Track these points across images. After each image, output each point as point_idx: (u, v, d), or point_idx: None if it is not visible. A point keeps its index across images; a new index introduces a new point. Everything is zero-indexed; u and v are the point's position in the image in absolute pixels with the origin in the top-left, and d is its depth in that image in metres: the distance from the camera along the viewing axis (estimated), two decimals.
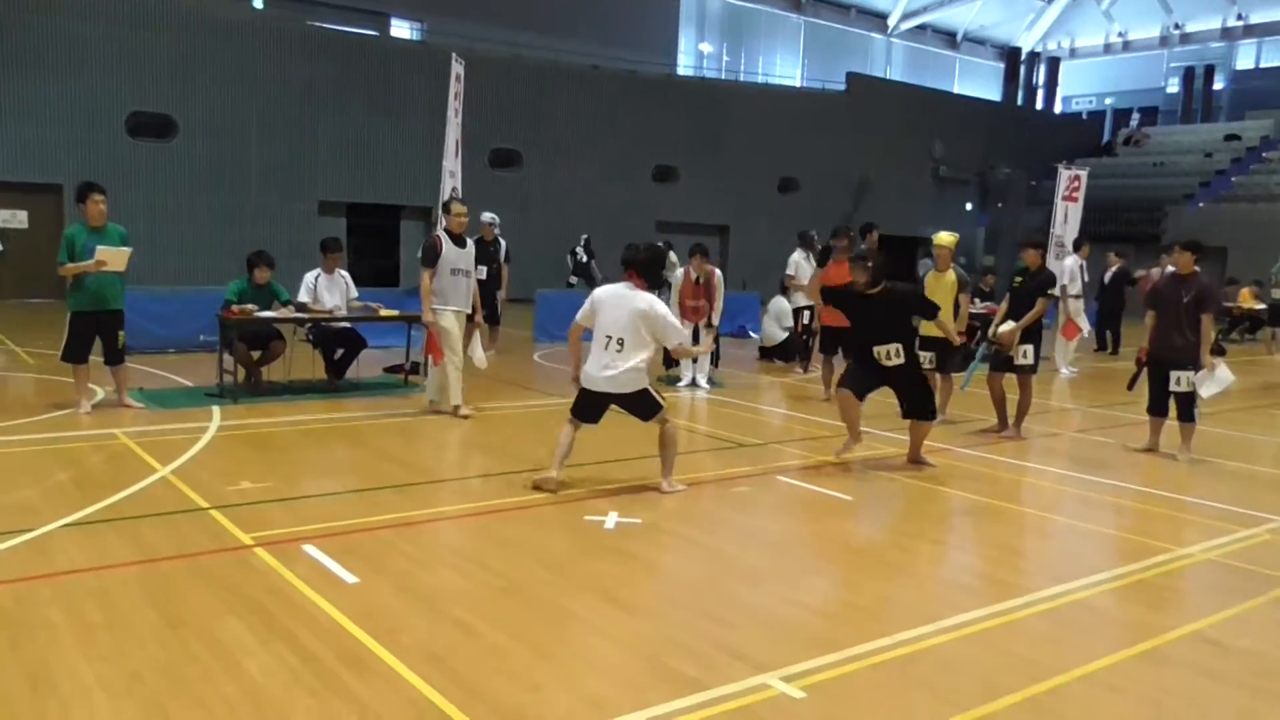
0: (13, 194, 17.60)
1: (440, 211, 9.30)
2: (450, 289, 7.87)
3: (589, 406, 5.77)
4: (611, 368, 5.58)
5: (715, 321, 10.19)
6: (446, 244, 7.83)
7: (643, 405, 5.71)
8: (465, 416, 7.91)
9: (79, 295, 7.32)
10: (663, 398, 5.86)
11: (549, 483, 5.64)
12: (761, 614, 3.95)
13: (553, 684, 3.22)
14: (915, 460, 6.81)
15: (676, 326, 5.89)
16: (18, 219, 17.83)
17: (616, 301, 5.62)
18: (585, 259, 21.47)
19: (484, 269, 10.42)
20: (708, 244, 10.70)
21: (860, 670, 3.42)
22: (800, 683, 3.28)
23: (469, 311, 8.10)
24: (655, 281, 5.89)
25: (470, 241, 8.16)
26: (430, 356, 8.17)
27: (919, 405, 6.68)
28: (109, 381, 7.82)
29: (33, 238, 17.74)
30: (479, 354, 8.28)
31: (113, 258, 7.24)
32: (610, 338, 5.59)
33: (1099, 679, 3.45)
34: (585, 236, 19.06)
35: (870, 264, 6.59)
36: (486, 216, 11.01)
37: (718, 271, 10.14)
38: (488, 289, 10.56)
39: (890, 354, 6.46)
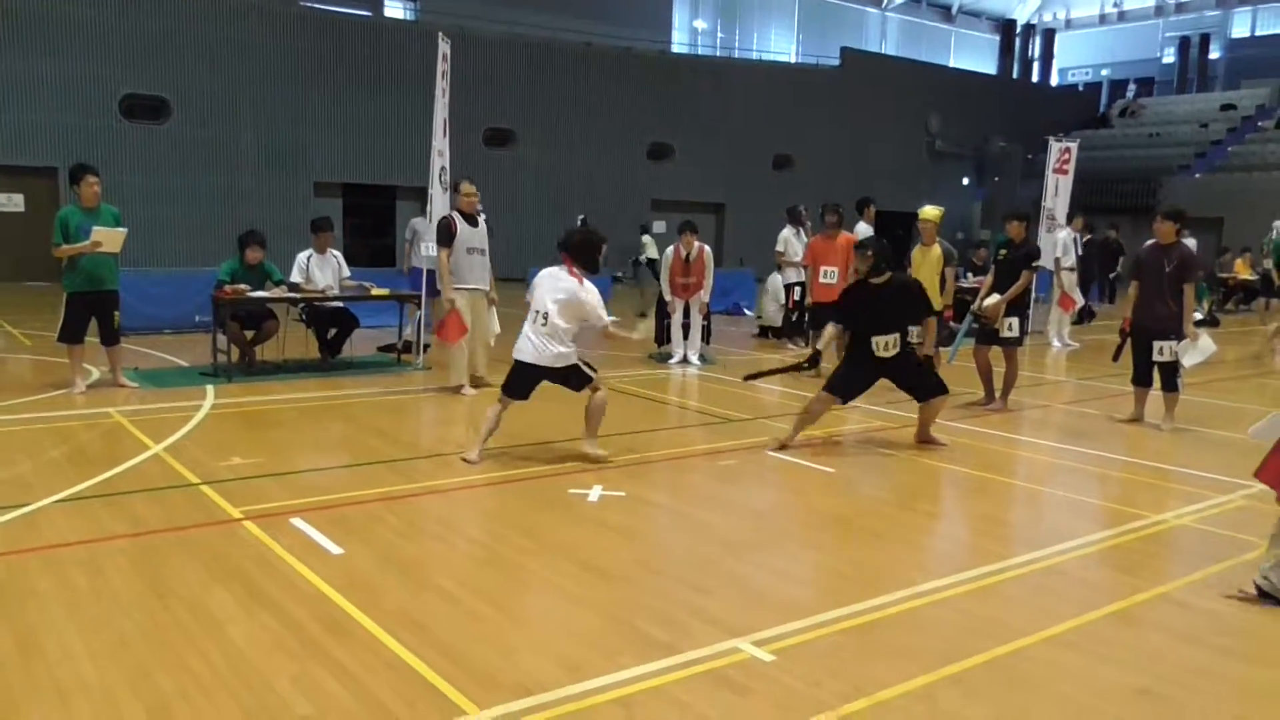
0: (8, 178, 17.63)
1: (433, 191, 9.35)
2: (465, 267, 8.00)
3: (518, 381, 5.91)
4: (536, 342, 5.79)
5: (706, 298, 10.25)
6: (460, 223, 7.96)
7: (574, 378, 5.93)
8: (480, 387, 8.02)
9: (74, 276, 7.38)
10: (594, 369, 5.99)
11: (472, 463, 5.76)
12: (737, 581, 4.04)
13: (527, 648, 3.31)
14: (925, 440, 6.62)
15: (600, 310, 5.84)
16: (13, 202, 17.86)
17: (549, 283, 5.86)
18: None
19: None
20: (703, 221, 10.74)
21: (830, 634, 3.51)
22: (770, 647, 3.37)
23: (485, 289, 8.21)
24: (588, 265, 5.93)
25: (482, 220, 8.25)
26: (439, 336, 8.09)
27: (929, 386, 6.52)
28: (104, 362, 7.90)
29: (28, 221, 17.77)
30: (494, 326, 8.45)
31: (108, 239, 7.30)
32: (537, 313, 5.82)
33: (1063, 639, 3.54)
34: (581, 217, 19.07)
35: (870, 251, 6.41)
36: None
37: (707, 248, 10.18)
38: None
39: (888, 345, 6.37)
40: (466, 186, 8.11)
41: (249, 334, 8.73)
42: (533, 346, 5.80)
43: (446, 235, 7.89)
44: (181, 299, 11.25)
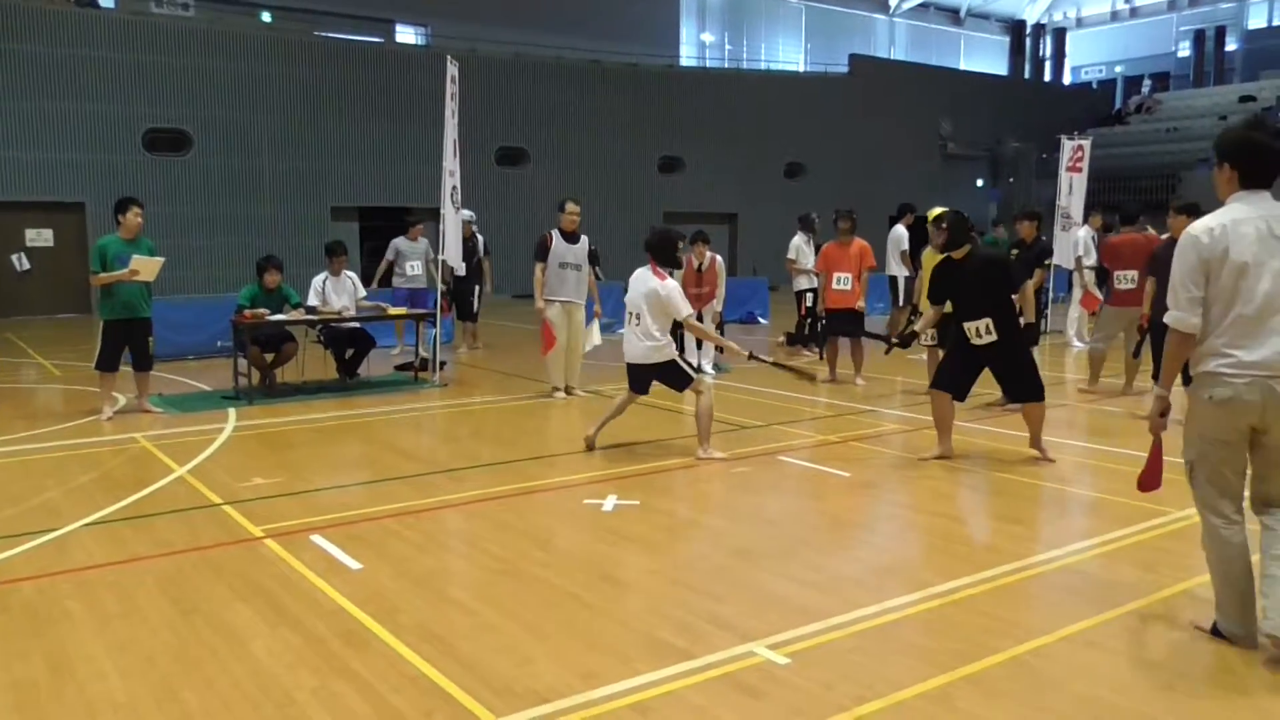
0: (39, 213, 18.06)
1: (445, 210, 9.47)
2: (558, 281, 8.43)
3: (631, 378, 6.55)
4: (633, 340, 6.38)
5: (719, 307, 10.26)
6: (557, 240, 8.44)
7: (673, 377, 6.38)
8: (571, 393, 8.56)
9: (110, 304, 7.60)
10: (695, 370, 6.42)
11: (588, 440, 6.55)
12: (752, 586, 4.06)
13: (544, 658, 3.35)
14: (1038, 448, 6.19)
15: (679, 304, 6.30)
16: (43, 237, 18.27)
17: (638, 284, 6.42)
18: (592, 248, 21.56)
19: (463, 265, 10.40)
20: (716, 232, 10.78)
21: (845, 637, 3.52)
22: (785, 650, 3.38)
23: (579, 302, 8.58)
24: (666, 260, 6.47)
25: (584, 238, 8.66)
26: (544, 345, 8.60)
27: (1024, 384, 6.01)
28: (131, 389, 8.05)
29: (58, 255, 18.18)
30: (595, 336, 8.82)
31: (145, 267, 7.54)
32: (631, 313, 6.42)
33: (1083, 638, 3.52)
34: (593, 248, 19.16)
35: (944, 224, 6.16)
36: (464, 214, 11.07)
37: (719, 258, 10.20)
38: (466, 285, 10.74)
39: (980, 330, 5.88)
40: (570, 206, 8.60)
41: (269, 357, 8.87)
42: (631, 345, 6.39)
43: (541, 250, 8.44)
44: (203, 325, 11.44)
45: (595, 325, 8.80)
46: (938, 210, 8.61)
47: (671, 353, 6.33)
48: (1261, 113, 35.68)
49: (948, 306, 6.26)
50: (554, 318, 8.43)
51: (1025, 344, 6.05)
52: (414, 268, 11.29)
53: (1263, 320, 3.14)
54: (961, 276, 5.96)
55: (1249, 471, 3.35)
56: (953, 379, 6.11)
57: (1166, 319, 3.30)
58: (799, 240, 11.62)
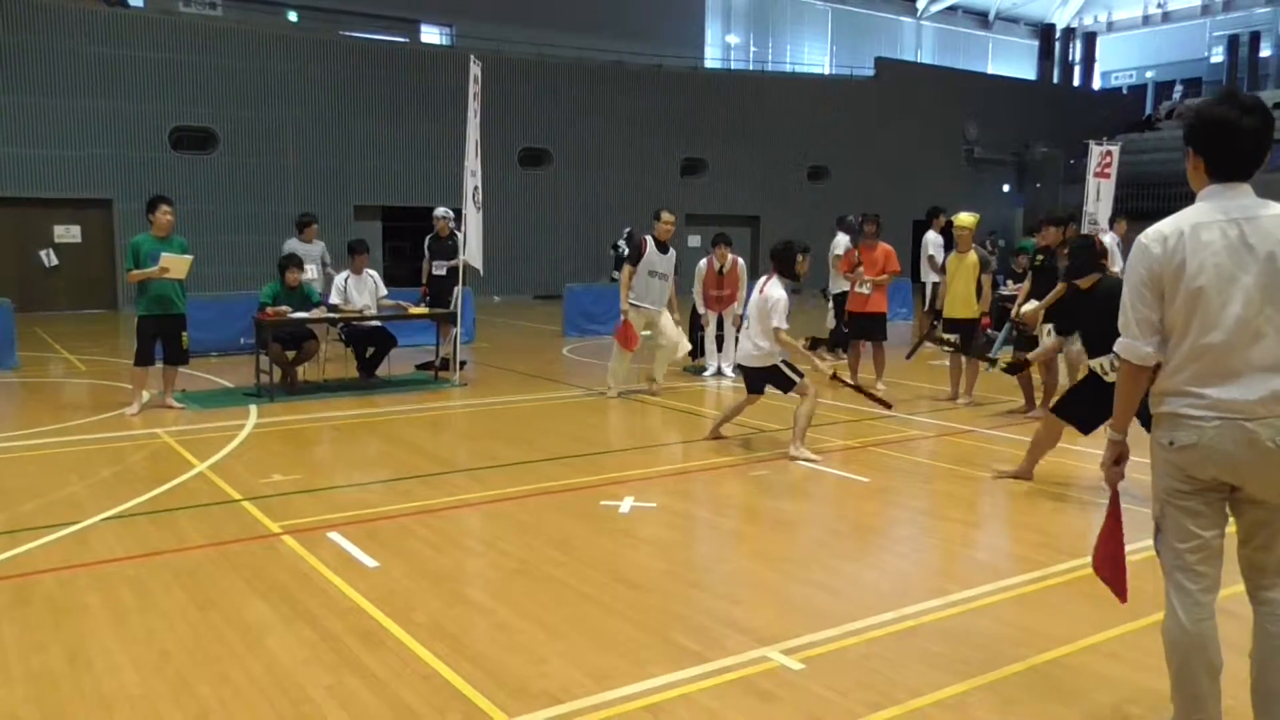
0: (66, 210, 18.32)
1: (466, 211, 9.49)
2: (644, 287, 8.64)
3: (745, 379, 6.85)
4: (743, 342, 6.73)
5: (740, 310, 10.19)
6: (651, 247, 8.61)
7: (779, 380, 6.60)
8: (653, 392, 8.83)
9: (144, 300, 7.73)
10: (799, 374, 6.58)
11: (714, 433, 6.94)
12: (768, 590, 4.03)
13: (558, 658, 3.34)
14: None
15: (774, 313, 6.46)
16: (71, 233, 18.53)
17: (755, 290, 6.72)
18: (626, 252, 21.51)
19: (444, 264, 10.35)
20: (739, 235, 10.72)
21: (861, 643, 3.48)
22: (800, 655, 3.35)
23: (662, 308, 8.76)
24: (786, 272, 6.65)
25: (673, 250, 8.80)
26: (618, 345, 8.80)
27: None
28: (156, 385, 8.15)
29: (85, 251, 18.44)
30: (684, 344, 9.05)
31: (176, 265, 7.65)
32: (743, 316, 6.83)
33: (1104, 648, 3.46)
34: (628, 230, 19.15)
35: (1067, 250, 5.67)
36: (440, 211, 11.01)
37: (741, 261, 10.16)
38: (447, 284, 10.37)
39: (1106, 366, 5.24)
40: (666, 215, 8.74)
41: (290, 354, 8.93)
42: (741, 347, 6.77)
43: (635, 254, 8.68)
44: (227, 322, 11.54)
45: (681, 332, 9.00)
46: (965, 215, 8.56)
47: (776, 358, 6.55)
48: (1235, 84, 34.84)
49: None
50: (636, 321, 8.63)
51: None
52: (311, 270, 10.34)
53: (1234, 351, 2.44)
54: (1080, 308, 5.46)
55: (1231, 543, 2.67)
56: (1075, 408, 5.50)
57: (1116, 346, 2.65)
58: (845, 240, 11.50)
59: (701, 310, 10.24)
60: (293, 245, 10.74)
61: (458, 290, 10.46)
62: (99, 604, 3.81)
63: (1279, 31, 36.61)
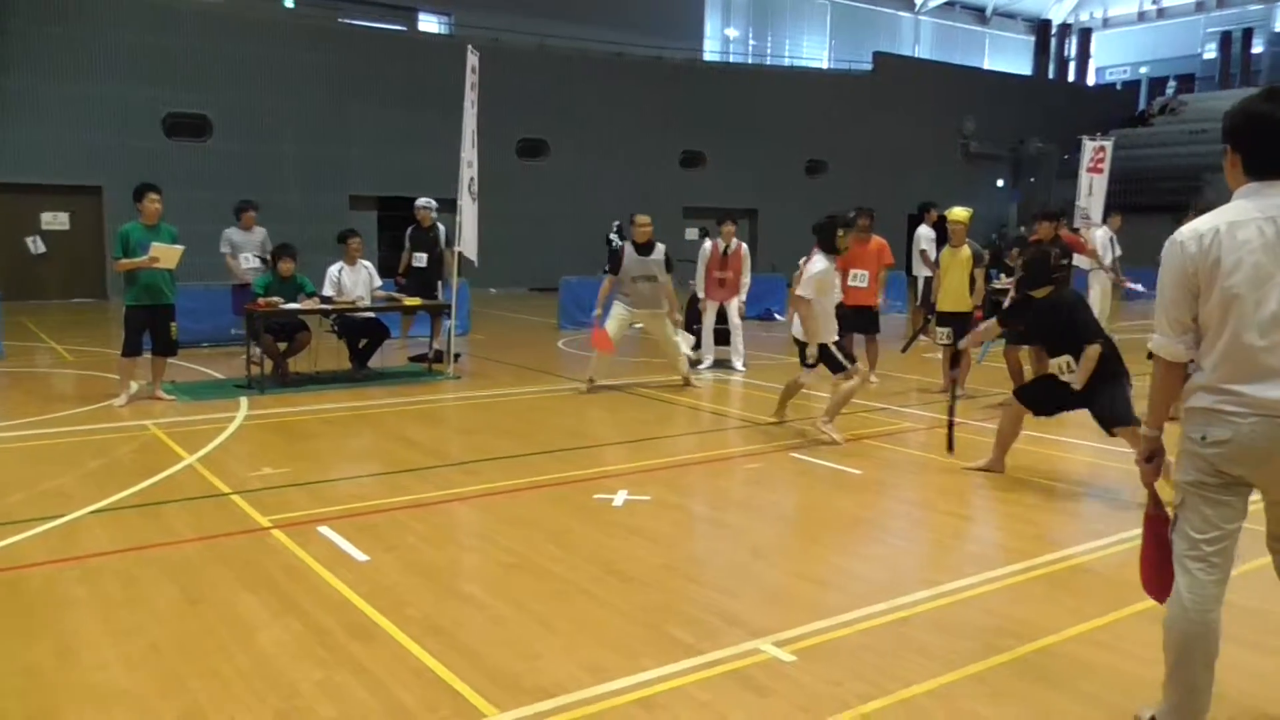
0: (55, 196, 18.15)
1: (461, 202, 9.46)
2: (633, 295, 8.55)
3: (800, 354, 6.95)
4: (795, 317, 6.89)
5: (744, 296, 10.07)
6: (629, 253, 8.51)
7: (826, 360, 6.76)
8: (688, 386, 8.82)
9: (134, 290, 7.66)
10: (849, 357, 6.82)
11: (778, 416, 7.25)
12: (761, 583, 4.02)
13: (552, 652, 3.33)
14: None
15: (804, 281, 6.69)
16: (59, 220, 18.37)
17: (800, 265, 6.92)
18: (619, 244, 21.45)
19: (424, 256, 10.29)
20: (736, 228, 10.50)
21: (852, 635, 3.48)
22: (792, 647, 3.35)
23: (660, 311, 8.62)
24: (826, 247, 6.79)
25: (661, 247, 8.63)
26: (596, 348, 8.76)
27: (1113, 411, 5.39)
28: (145, 375, 8.10)
29: (73, 238, 18.29)
30: (684, 347, 8.96)
31: (166, 254, 7.57)
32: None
33: (1091, 638, 3.47)
34: (617, 223, 19.12)
35: (1023, 261, 5.82)
36: (421, 202, 10.99)
37: (745, 246, 10.04)
38: (427, 276, 10.32)
39: (1063, 367, 5.52)
40: (640, 218, 8.58)
41: (282, 346, 8.89)
42: (794, 322, 6.90)
43: (615, 263, 8.59)
44: (218, 312, 11.48)
45: (679, 333, 8.90)
46: (959, 210, 8.56)
47: (827, 336, 6.77)
48: (1228, 80, 34.70)
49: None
50: (618, 313, 8.57)
51: (1109, 377, 5.44)
52: (248, 260, 10.38)
53: (1271, 350, 2.44)
54: (1041, 317, 5.64)
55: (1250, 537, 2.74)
56: (1034, 394, 5.76)
57: (1151, 345, 2.67)
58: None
59: (702, 296, 10.04)
60: (230, 234, 10.65)
61: (448, 281, 10.42)
62: (87, 597, 3.78)
63: (1271, 28, 36.66)
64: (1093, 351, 5.37)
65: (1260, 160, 2.50)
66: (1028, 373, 8.03)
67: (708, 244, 10.06)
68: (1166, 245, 2.59)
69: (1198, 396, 2.58)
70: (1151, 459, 2.77)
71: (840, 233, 6.79)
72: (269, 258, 9.95)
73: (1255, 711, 2.97)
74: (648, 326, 8.78)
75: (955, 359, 7.02)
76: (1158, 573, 2.82)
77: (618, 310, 8.63)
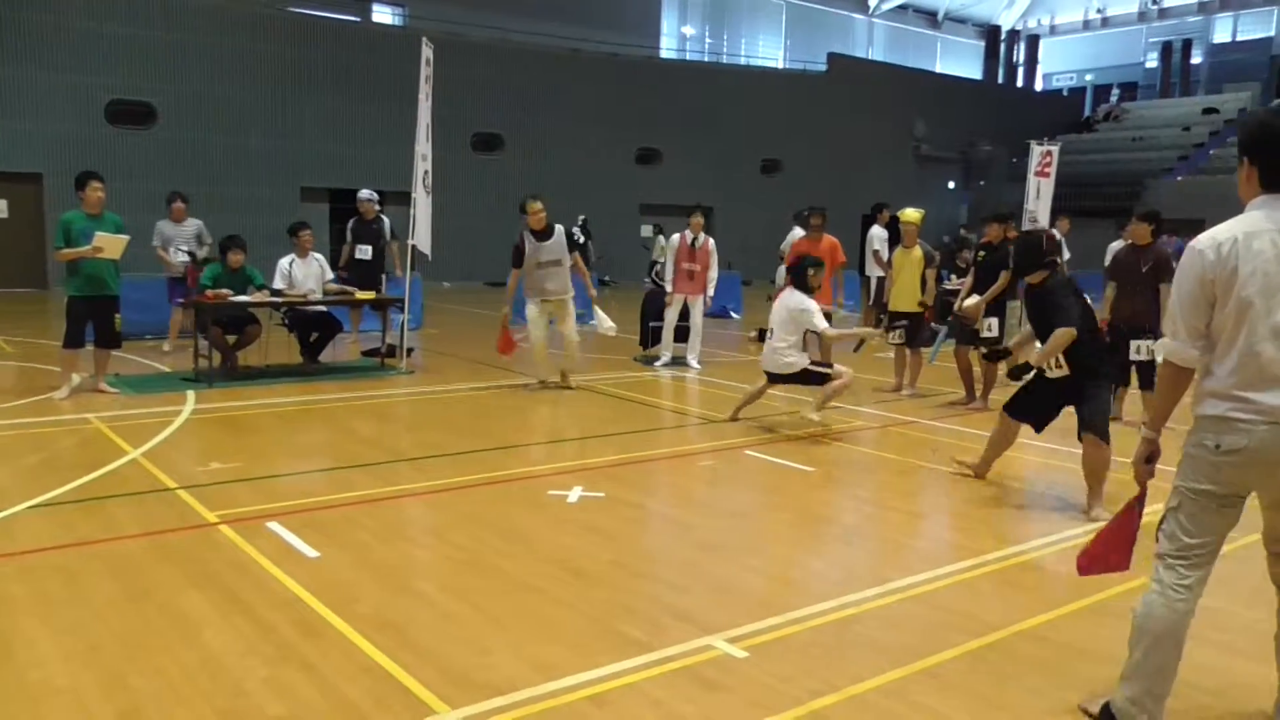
0: None
1: (416, 195, 9.35)
2: (540, 282, 8.32)
3: (769, 379, 7.28)
4: (771, 354, 7.13)
5: (711, 292, 10.07)
6: (528, 242, 8.23)
7: (809, 380, 7.04)
8: (568, 387, 8.57)
9: (76, 281, 7.44)
10: (828, 368, 7.07)
11: (815, 420, 7.05)
12: (713, 580, 4.05)
13: (503, 648, 3.31)
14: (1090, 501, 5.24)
15: (814, 318, 6.97)
16: None
17: (780, 300, 7.15)
18: (582, 240, 21.39)
19: (369, 248, 10.38)
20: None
21: (804, 631, 3.53)
22: (744, 644, 3.38)
23: (566, 297, 8.46)
24: (799, 285, 7.11)
25: (559, 229, 8.38)
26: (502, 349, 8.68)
27: (1091, 419, 5.15)
28: (89, 368, 7.87)
29: (12, 227, 17.69)
30: (606, 323, 8.69)
31: (110, 244, 7.36)
32: (769, 329, 7.20)
33: (1035, 633, 3.56)
34: (583, 218, 19.05)
35: (1014, 246, 5.74)
36: (364, 194, 10.91)
37: (712, 241, 10.03)
38: (372, 269, 10.34)
39: (1052, 364, 5.25)
40: (532, 205, 8.27)
41: (231, 339, 8.71)
42: (769, 357, 7.19)
43: (516, 256, 8.30)
44: (164, 304, 11.18)
45: (600, 312, 8.77)
46: (911, 211, 8.70)
47: (803, 363, 7.07)
48: (1167, 89, 35.73)
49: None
50: (532, 316, 8.42)
51: (1093, 373, 5.25)
52: (179, 253, 10.08)
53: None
54: (1030, 303, 5.42)
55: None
56: (1025, 406, 5.51)
57: (1161, 349, 2.72)
58: (797, 234, 11.54)
59: (669, 289, 10.00)
60: (162, 226, 10.38)
61: (392, 274, 10.33)
62: (24, 595, 3.67)
63: (1209, 40, 37.87)
64: (1061, 333, 5.07)
65: (1276, 173, 2.57)
66: (977, 374, 8.22)
67: (675, 236, 10.06)
68: (1185, 253, 2.64)
69: (1209, 403, 2.63)
70: (1150, 460, 2.83)
71: (811, 272, 7.12)
72: (196, 252, 9.76)
73: (1193, 701, 3.08)
74: (556, 315, 8.53)
75: (997, 355, 6.44)
76: (1114, 551, 2.97)
77: (531, 314, 8.42)
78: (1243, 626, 3.64)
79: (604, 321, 8.67)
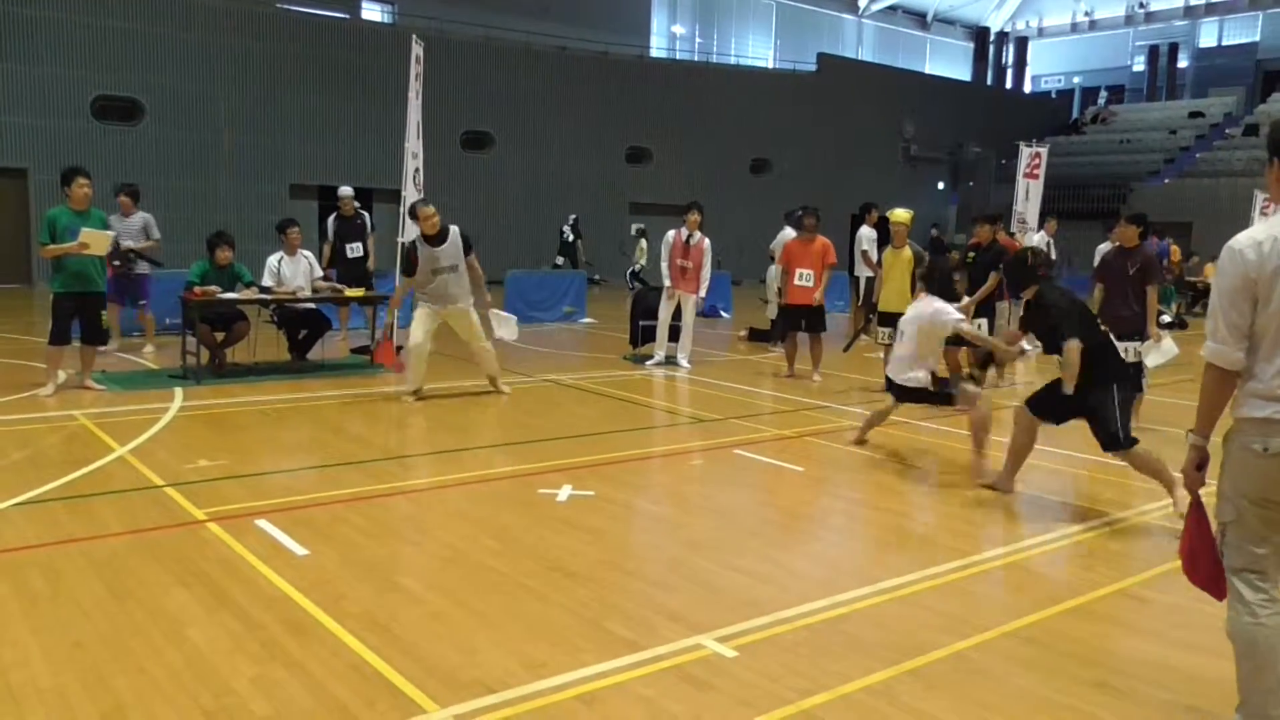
0: None
1: (406, 193, 9.33)
2: (439, 288, 7.80)
3: (893, 393, 6.48)
4: (897, 362, 6.36)
5: (704, 293, 10.06)
6: (421, 248, 7.74)
7: (931, 399, 6.29)
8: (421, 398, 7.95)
9: (62, 277, 7.39)
10: (950, 390, 6.26)
11: (860, 438, 6.70)
12: (702, 579, 4.06)
13: (491, 647, 3.31)
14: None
15: (947, 316, 6.15)
16: None
17: (914, 307, 6.40)
18: (571, 239, 21.41)
19: (358, 245, 10.54)
20: (681, 224, 10.45)
21: (792, 630, 3.53)
22: (733, 643, 3.38)
23: (465, 306, 7.94)
24: (931, 287, 6.36)
25: (454, 230, 7.84)
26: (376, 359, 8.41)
27: (1106, 432, 5.17)
28: (74, 365, 7.82)
29: None
30: (508, 329, 8.42)
31: (95, 240, 7.32)
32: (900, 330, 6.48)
33: (1022, 634, 3.58)
34: (574, 217, 19.06)
35: (1003, 268, 5.80)
36: (345, 191, 10.89)
37: (707, 240, 10.03)
38: (363, 266, 10.45)
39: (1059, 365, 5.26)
40: (423, 210, 7.73)
41: (219, 336, 8.66)
42: (896, 365, 6.39)
43: (407, 265, 7.88)
44: (153, 301, 11.10)
45: (503, 317, 8.45)
46: (900, 211, 8.73)
47: (924, 381, 6.33)
48: (1154, 92, 35.99)
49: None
50: (418, 317, 7.85)
51: (1102, 382, 5.20)
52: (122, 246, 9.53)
53: None
54: (1032, 316, 5.50)
55: None
56: (1045, 402, 5.44)
57: (1204, 352, 2.65)
58: (789, 234, 11.55)
59: (667, 284, 9.92)
60: (110, 222, 10.10)
61: (370, 267, 10.30)
62: (8, 593, 3.64)
63: (1195, 44, 38.14)
64: (1070, 348, 5.07)
65: None
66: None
67: (671, 233, 10.07)
68: (1224, 253, 2.61)
69: (1253, 405, 2.58)
70: (1201, 467, 2.75)
71: (955, 276, 6.69)
72: (125, 246, 9.43)
73: (1158, 701, 3.10)
74: (454, 324, 8.01)
75: (984, 364, 6.73)
76: (1206, 559, 2.81)
77: (420, 315, 7.85)
78: None
79: (505, 325, 8.33)
